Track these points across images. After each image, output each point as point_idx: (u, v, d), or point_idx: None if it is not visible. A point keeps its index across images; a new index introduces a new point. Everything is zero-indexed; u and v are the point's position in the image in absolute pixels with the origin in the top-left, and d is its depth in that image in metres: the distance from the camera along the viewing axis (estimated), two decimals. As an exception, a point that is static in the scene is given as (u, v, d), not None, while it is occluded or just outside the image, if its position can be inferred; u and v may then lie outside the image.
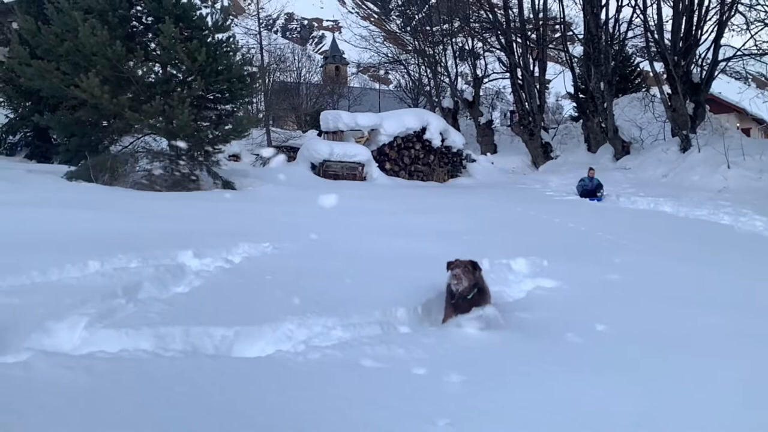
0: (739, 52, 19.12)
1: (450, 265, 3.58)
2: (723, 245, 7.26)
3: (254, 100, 23.90)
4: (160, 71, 12.08)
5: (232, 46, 12.68)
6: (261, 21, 20.46)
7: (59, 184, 10.14)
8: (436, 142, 17.79)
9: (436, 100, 29.62)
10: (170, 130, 11.22)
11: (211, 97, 12.75)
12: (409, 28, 35.69)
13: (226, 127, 12.21)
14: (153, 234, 5.58)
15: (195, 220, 7.04)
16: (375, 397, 2.41)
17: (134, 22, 12.18)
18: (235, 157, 19.21)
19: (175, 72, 12.20)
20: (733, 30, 19.26)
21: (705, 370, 2.91)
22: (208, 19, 12.31)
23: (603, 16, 21.41)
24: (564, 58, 25.44)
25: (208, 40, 12.15)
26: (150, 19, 12.11)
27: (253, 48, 19.42)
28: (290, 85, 35.54)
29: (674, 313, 3.88)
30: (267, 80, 24.93)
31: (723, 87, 31.31)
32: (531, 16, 24.40)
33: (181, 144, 11.22)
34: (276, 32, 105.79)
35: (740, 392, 2.69)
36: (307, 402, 2.32)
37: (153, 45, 12.05)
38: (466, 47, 28.97)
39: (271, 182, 12.46)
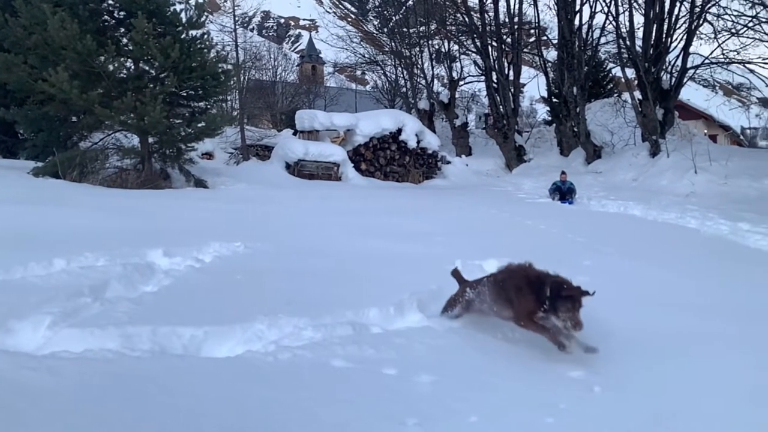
0: (707, 61, 19.61)
1: (566, 289, 2.90)
2: (689, 248, 7.42)
3: (229, 98, 23.67)
4: (132, 67, 11.87)
5: (207, 43, 12.52)
6: (237, 18, 20.26)
7: (25, 180, 9.89)
8: (412, 144, 17.85)
9: (413, 101, 29.70)
10: (142, 127, 11.04)
11: (184, 94, 12.57)
12: (386, 30, 35.71)
13: (199, 125, 12.06)
14: (122, 232, 5.49)
15: (166, 218, 6.94)
16: (345, 397, 2.40)
17: (105, 17, 11.95)
18: (209, 155, 18.98)
19: (147, 68, 12.00)
20: (702, 39, 19.73)
21: (677, 370, 2.98)
22: (182, 15, 12.14)
23: (577, 21, 21.75)
24: (538, 63, 25.75)
25: (182, 36, 11.98)
26: (122, 13, 11.90)
27: (229, 45, 19.20)
28: (266, 83, 35.24)
29: (642, 314, 3.95)
30: (242, 78, 24.68)
31: (691, 94, 32.06)
32: (506, 20, 24.64)
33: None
34: (252, 30, 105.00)
35: (711, 392, 2.75)
36: (276, 402, 2.31)
37: (125, 40, 11.83)
38: (443, 50, 29.11)
39: (244, 181, 12.35)
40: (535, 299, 2.96)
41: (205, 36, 12.63)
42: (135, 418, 2.06)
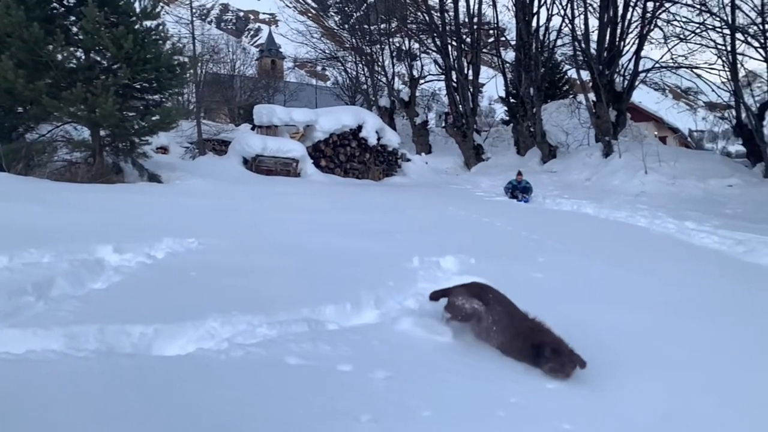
0: (657, 65, 20.32)
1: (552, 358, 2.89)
2: (639, 246, 7.68)
3: (185, 91, 23.11)
4: (83, 57, 11.44)
5: (162, 34, 12.18)
6: (194, 10, 19.82)
7: (-34, 172, 9.44)
8: (372, 141, 17.83)
9: (373, 98, 29.72)
10: (93, 119, 10.67)
11: (138, 87, 12.18)
12: (346, 26, 35.63)
13: (154, 118, 11.73)
14: (70, 227, 5.30)
15: (117, 213, 6.73)
16: (298, 394, 2.38)
17: (54, 4, 11.45)
18: (163, 150, 18.46)
19: (99, 58, 11.58)
20: (653, 43, 20.43)
21: (627, 365, 3.06)
22: (136, 4, 11.77)
23: (534, 23, 22.17)
24: (497, 63, 26.13)
25: (136, 26, 11.62)
26: (72, 1, 11.45)
27: (185, 38, 18.71)
28: (224, 77, 34.57)
29: (592, 310, 4.06)
30: (199, 71, 24.14)
31: (643, 97, 33.12)
32: (466, 20, 24.92)
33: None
34: (210, 23, 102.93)
35: (661, 388, 2.85)
36: (227, 401, 2.27)
37: (75, 29, 11.39)
38: (403, 48, 29.23)
39: (200, 176, 12.10)
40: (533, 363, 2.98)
41: (161, 27, 12.28)
42: (78, 421, 1.99)
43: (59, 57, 10.75)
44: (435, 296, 3.68)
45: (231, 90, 33.65)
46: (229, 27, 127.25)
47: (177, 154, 18.23)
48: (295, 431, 2.10)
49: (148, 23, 12.05)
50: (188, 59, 15.09)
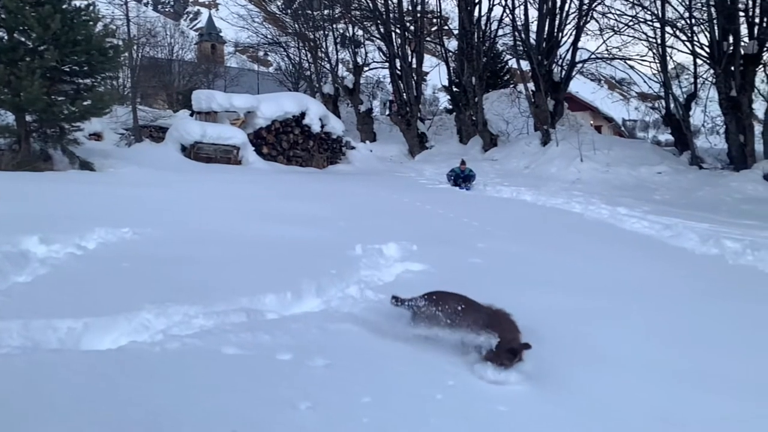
0: (593, 56, 21.01)
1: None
2: (574, 231, 7.96)
3: (119, 75, 22.18)
4: (5, 37, 10.77)
5: (93, 14, 11.62)
6: (128, -10, 18.98)
7: None
8: (316, 128, 17.64)
9: (317, 85, 29.37)
10: (17, 104, 10.09)
11: (68, 69, 11.59)
12: (289, 11, 34.96)
13: (85, 103, 11.20)
14: (-9, 218, 5.00)
15: (45, 202, 6.41)
16: (236, 385, 2.35)
17: (-28, -20, 10.74)
18: (97, 136, 17.67)
19: (23, 39, 10.93)
20: (589, 35, 21.10)
21: (557, 346, 3.17)
22: (64, -18, 11.16)
23: (476, 13, 22.44)
24: (440, 52, 26.32)
25: (64, 6, 11.03)
26: (-8, -23, 10.74)
27: (119, 20, 17.92)
28: (161, 61, 33.34)
29: (528, 293, 4.18)
30: (135, 54, 23.18)
31: (580, 87, 34.19)
32: (410, 8, 24.93)
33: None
34: (147, 5, 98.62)
35: (591, 365, 2.97)
36: (162, 394, 2.21)
37: (-3, 8, 10.72)
38: (347, 34, 28.97)
39: (135, 164, 11.66)
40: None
41: (91, 7, 11.71)
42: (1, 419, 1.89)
43: (-21, 37, 10.11)
44: (397, 301, 3.42)
45: (169, 75, 32.54)
46: (166, 9, 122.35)
47: (111, 141, 17.53)
48: (232, 422, 2.07)
49: (77, 3, 11.49)
50: (122, 42, 14.50)
